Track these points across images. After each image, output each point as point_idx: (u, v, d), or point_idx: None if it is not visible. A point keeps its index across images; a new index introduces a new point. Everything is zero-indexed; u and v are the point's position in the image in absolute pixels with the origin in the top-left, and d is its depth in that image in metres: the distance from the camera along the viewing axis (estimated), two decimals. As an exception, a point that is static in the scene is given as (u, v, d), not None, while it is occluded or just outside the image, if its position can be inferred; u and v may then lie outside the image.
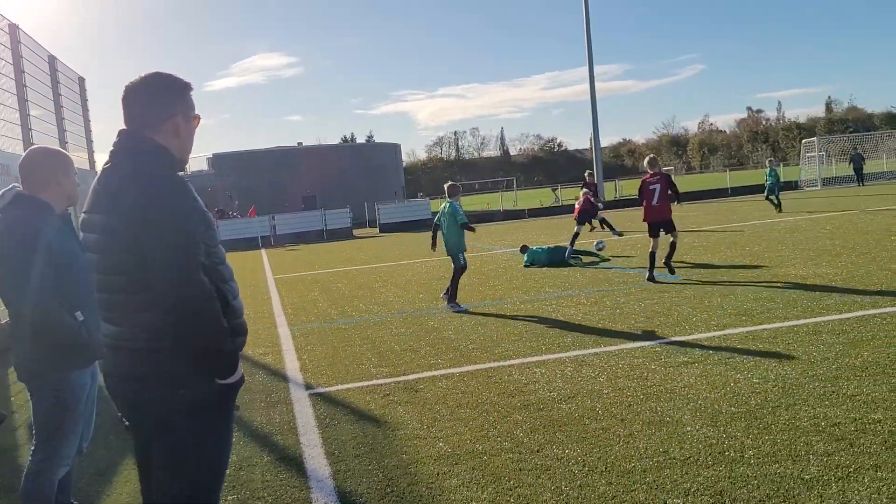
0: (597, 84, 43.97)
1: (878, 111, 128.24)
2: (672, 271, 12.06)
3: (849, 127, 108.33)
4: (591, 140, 47.55)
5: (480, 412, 5.87)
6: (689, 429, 5.04)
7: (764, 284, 10.49)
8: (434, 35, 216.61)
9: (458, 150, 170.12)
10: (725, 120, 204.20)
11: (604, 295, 10.95)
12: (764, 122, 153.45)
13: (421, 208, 40.53)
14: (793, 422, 4.98)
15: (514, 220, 37.36)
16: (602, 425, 5.29)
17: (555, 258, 15.46)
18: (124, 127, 2.86)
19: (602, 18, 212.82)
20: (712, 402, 5.55)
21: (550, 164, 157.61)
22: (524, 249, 16.61)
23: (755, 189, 40.82)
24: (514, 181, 69.07)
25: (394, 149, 72.17)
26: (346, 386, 7.15)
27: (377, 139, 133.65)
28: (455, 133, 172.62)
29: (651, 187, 12.01)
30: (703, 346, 7.29)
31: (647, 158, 12.76)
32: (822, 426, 4.85)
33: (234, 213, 45.36)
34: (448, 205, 11.24)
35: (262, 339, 10.02)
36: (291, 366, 8.28)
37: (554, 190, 48.03)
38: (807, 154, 41.47)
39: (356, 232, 37.84)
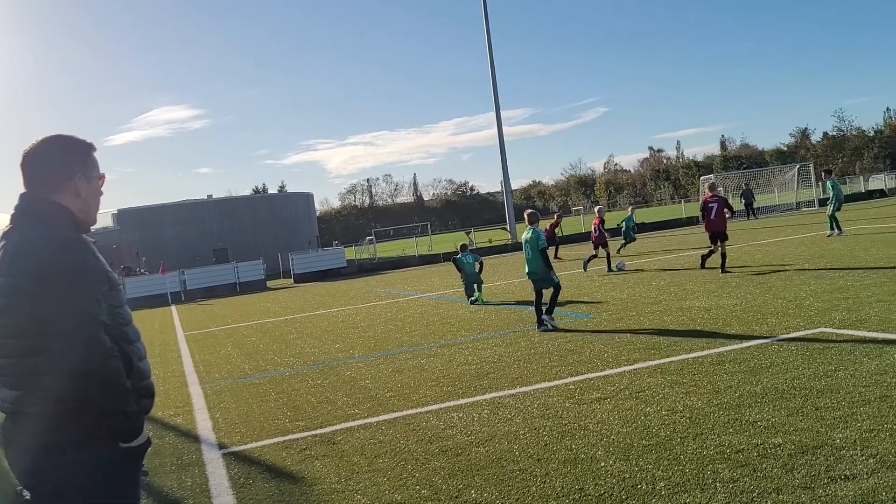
0: (504, 128, 45.14)
1: (768, 148, 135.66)
2: (724, 269, 15.39)
3: (742, 163, 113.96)
4: (501, 183, 48.45)
5: (399, 461, 5.83)
6: (603, 464, 5.14)
7: (670, 318, 10.86)
8: (339, 84, 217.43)
9: (371, 197, 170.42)
10: (629, 160, 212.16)
11: (519, 336, 11.10)
12: (665, 161, 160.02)
13: (335, 257, 40.27)
14: (700, 451, 5.15)
15: (429, 264, 37.54)
16: (519, 466, 5.34)
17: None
18: (24, 191, 2.84)
19: (506, 64, 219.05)
20: (625, 437, 5.68)
21: (464, 208, 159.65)
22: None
23: (661, 225, 42.39)
24: (429, 226, 69.55)
25: (306, 198, 71.73)
26: (261, 443, 6.98)
27: (289, 189, 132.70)
28: (368, 180, 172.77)
29: (710, 205, 15.65)
30: (614, 382, 7.46)
31: (707, 183, 16.85)
32: (727, 453, 5.03)
33: (142, 270, 43.98)
34: (531, 231, 11.59)
35: (172, 400, 9.69)
36: (203, 426, 8.03)
37: (468, 234, 48.53)
38: (631, 205, 43.42)
39: (270, 283, 37.22)
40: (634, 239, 25.98)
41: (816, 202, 42.64)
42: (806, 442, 5.03)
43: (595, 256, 20.35)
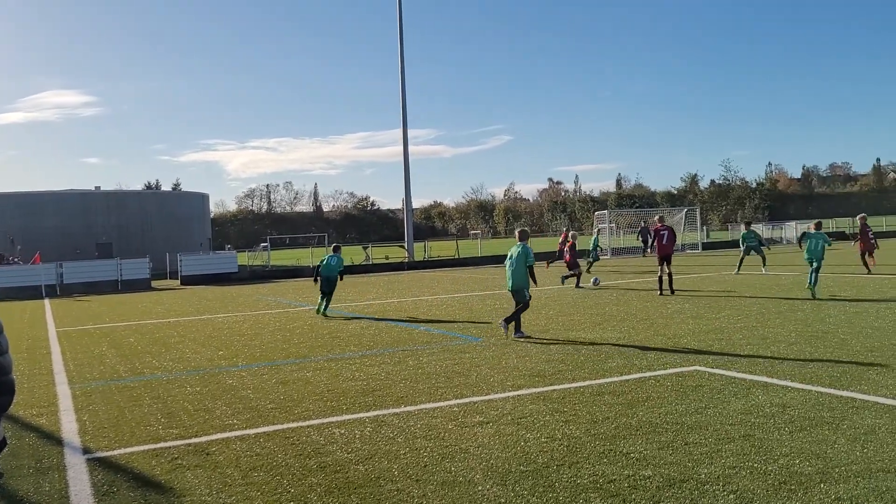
0: (410, 147, 45.30)
1: (660, 189, 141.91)
2: (672, 292, 18.03)
3: (635, 202, 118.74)
4: (403, 201, 48.58)
5: (274, 475, 5.69)
6: (480, 488, 5.18)
7: (556, 347, 11.11)
8: (243, 85, 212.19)
9: (270, 203, 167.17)
10: (529, 189, 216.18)
11: (408, 355, 11.09)
12: (563, 194, 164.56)
13: (227, 261, 39.17)
14: (575, 479, 5.27)
15: (323, 276, 37.11)
16: (397, 486, 5.31)
17: None
18: None
19: (416, 83, 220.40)
20: (504, 461, 5.75)
21: (363, 222, 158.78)
22: None
23: (553, 255, 43.41)
24: (326, 237, 68.81)
25: (202, 198, 69.60)
26: (129, 450, 6.66)
27: (184, 187, 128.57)
28: (268, 186, 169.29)
29: (662, 232, 18.55)
30: (498, 406, 7.55)
31: (658, 216, 20.30)
32: (600, 483, 5.16)
33: (15, 259, 41.47)
34: (521, 247, 12.64)
35: (36, 399, 9.13)
36: (68, 428, 7.60)
37: (365, 249, 48.27)
38: (599, 225, 44.88)
39: (155, 283, 35.81)
40: (598, 258, 30.11)
41: (700, 245, 44.83)
42: (674, 475, 5.23)
43: (574, 275, 22.42)
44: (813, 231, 17.16)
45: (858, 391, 7.43)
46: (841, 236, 47.41)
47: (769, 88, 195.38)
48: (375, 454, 6.11)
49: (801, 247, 16.85)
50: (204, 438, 6.88)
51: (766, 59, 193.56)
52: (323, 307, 17.22)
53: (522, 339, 11.99)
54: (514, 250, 12.68)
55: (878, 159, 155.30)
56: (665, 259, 18.43)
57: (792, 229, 50.20)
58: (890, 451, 5.55)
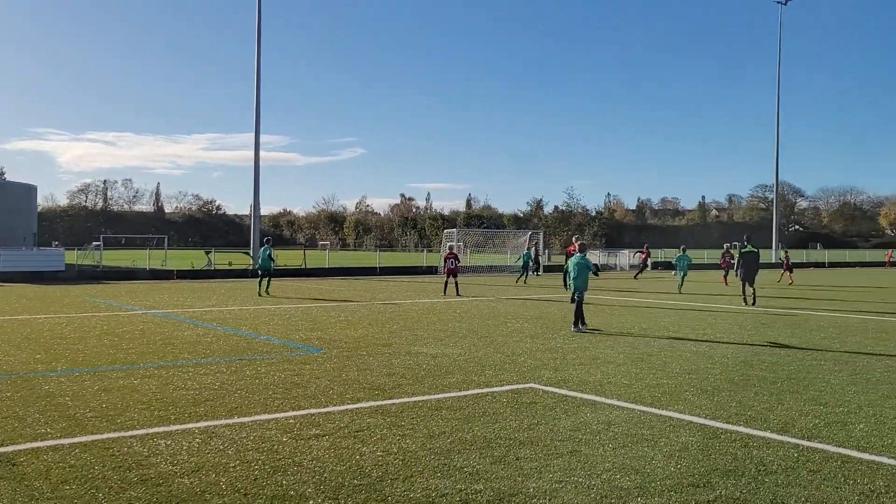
0: (261, 152, 44.18)
1: (507, 212, 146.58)
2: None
3: (483, 222, 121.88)
4: (251, 206, 47.21)
5: (89, 489, 5.30)
6: (311, 502, 5.07)
7: (398, 361, 11.13)
8: (80, 73, 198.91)
9: (106, 200, 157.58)
10: (381, 203, 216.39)
11: (245, 364, 10.74)
12: (414, 210, 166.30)
13: (53, 258, 36.38)
14: (407, 493, 5.27)
15: (160, 279, 35.30)
16: (224, 500, 5.09)
17: None
18: None
19: (271, 88, 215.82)
20: (337, 475, 5.66)
21: (208, 226, 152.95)
22: None
23: (403, 270, 43.67)
24: (167, 239, 65.67)
25: (28, 190, 64.50)
26: (-80, 460, 6.00)
27: (9, 177, 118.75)
28: (105, 181, 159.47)
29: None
30: (335, 419, 7.45)
31: (577, 238, 20.79)
32: (432, 497, 5.19)
33: None
34: (582, 257, 15.59)
35: None
36: None
37: (207, 253, 46.41)
38: (447, 243, 45.71)
39: (-33, 278, 32.70)
40: (528, 271, 35.09)
41: (542, 268, 46.61)
42: (504, 490, 5.35)
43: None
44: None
45: (675, 410, 7.94)
46: (667, 266, 50.85)
47: (612, 122, 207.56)
48: (203, 467, 5.84)
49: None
50: (11, 448, 6.32)
51: (609, 94, 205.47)
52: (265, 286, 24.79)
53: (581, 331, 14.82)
54: (575, 260, 15.59)
55: (703, 197, 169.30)
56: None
57: (626, 257, 53.28)
58: (700, 466, 5.96)
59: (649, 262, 46.20)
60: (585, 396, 8.64)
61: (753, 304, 21.34)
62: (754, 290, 21.60)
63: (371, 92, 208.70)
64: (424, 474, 5.69)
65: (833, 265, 60.70)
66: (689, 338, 14.10)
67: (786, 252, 40.40)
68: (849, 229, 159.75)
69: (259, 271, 25.95)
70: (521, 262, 35.94)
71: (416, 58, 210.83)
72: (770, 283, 32.09)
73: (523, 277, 34.58)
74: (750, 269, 21.50)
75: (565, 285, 16.23)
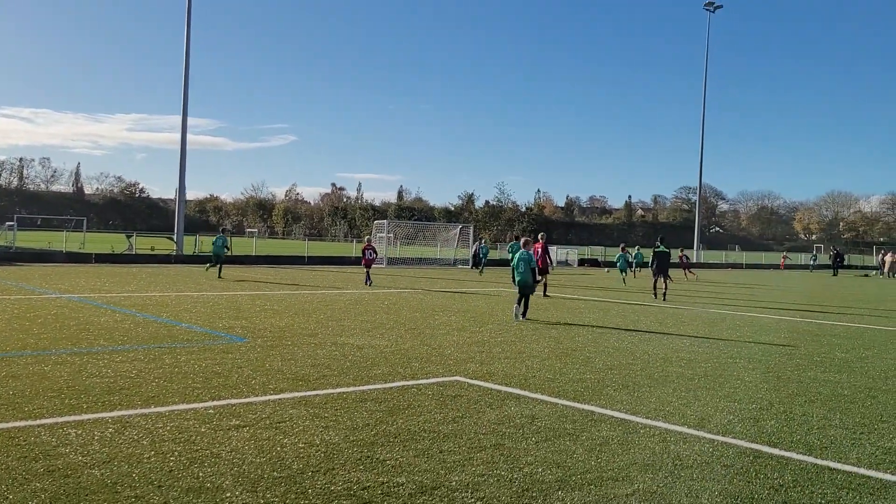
0: (188, 136, 42.99)
1: (438, 205, 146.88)
2: (545, 294, 22.68)
3: (414, 214, 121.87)
4: (176, 191, 45.98)
5: (-10, 481, 5.04)
6: (228, 495, 4.94)
7: (323, 352, 10.99)
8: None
9: (21, 178, 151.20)
10: (311, 192, 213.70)
11: (164, 352, 10.43)
12: (345, 200, 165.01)
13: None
14: (328, 486, 5.19)
15: (77, 262, 34.03)
16: (136, 493, 4.91)
17: None
18: None
19: (199, 69, 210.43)
20: (257, 467, 5.53)
21: (130, 210, 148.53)
22: None
23: (332, 260, 43.26)
24: (85, 222, 63.37)
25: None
26: None
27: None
28: (21, 159, 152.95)
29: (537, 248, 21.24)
30: (256, 410, 7.29)
31: (540, 234, 23.45)
32: (353, 490, 5.13)
33: None
34: (525, 253, 16.51)
35: None
36: None
37: (129, 237, 45.01)
38: (377, 234, 45.45)
39: None
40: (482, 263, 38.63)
41: (471, 261, 46.88)
42: (426, 483, 5.32)
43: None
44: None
45: (597, 405, 8.07)
46: (594, 263, 51.82)
47: (541, 119, 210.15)
48: (115, 458, 5.62)
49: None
50: None
51: (539, 92, 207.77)
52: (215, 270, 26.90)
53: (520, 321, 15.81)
54: (520, 254, 16.35)
55: (630, 196, 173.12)
56: (542, 271, 21.15)
57: (553, 253, 54.03)
58: (619, 461, 6.06)
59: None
60: (510, 390, 8.69)
61: (664, 299, 23.51)
62: (666, 285, 24.30)
63: (304, 78, 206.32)
64: (346, 467, 5.62)
65: (750, 266, 62.93)
66: (612, 333, 14.37)
67: (682, 251, 42.57)
68: (765, 232, 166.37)
69: (212, 257, 27.82)
70: (480, 254, 40.04)
71: (350, 46, 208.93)
72: (678, 279, 33.24)
73: (479, 269, 38.34)
74: (661, 266, 24.28)
75: (513, 280, 16.53)
